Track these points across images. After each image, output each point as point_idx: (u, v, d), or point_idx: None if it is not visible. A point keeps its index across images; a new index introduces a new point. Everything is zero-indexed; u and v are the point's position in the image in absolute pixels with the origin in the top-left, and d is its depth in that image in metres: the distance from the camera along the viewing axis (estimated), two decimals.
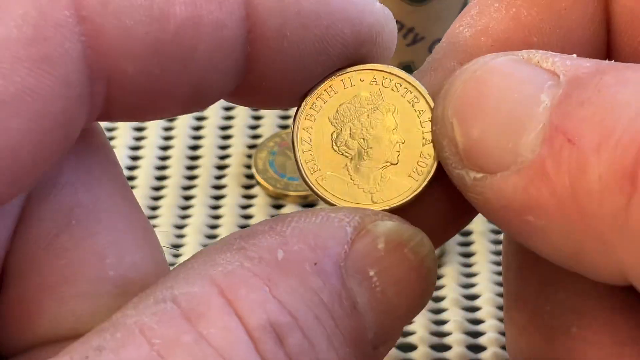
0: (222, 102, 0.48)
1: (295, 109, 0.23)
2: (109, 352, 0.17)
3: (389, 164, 0.23)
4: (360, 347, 0.20)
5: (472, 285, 0.41)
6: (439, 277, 0.42)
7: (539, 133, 0.19)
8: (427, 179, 0.22)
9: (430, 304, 0.40)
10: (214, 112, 0.51)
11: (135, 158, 0.49)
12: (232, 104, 0.45)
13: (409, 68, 0.46)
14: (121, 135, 0.50)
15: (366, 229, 0.20)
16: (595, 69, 0.20)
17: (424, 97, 0.23)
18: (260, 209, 0.45)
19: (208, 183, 0.47)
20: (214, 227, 0.45)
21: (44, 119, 0.19)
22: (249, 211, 0.46)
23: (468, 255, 0.43)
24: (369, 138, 0.23)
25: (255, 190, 0.47)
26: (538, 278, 0.24)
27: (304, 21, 0.21)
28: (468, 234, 0.44)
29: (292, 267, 0.19)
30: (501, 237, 0.39)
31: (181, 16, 0.20)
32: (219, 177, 0.47)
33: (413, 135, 0.23)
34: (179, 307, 0.18)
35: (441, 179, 0.22)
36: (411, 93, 0.23)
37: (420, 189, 0.22)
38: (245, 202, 0.46)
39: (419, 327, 0.39)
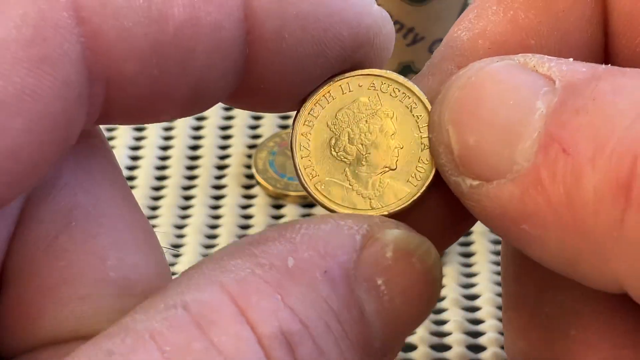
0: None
1: (294, 112, 0.23)
2: (118, 356, 0.17)
3: (387, 169, 0.23)
4: (368, 355, 0.20)
5: (472, 285, 0.41)
6: None
7: (535, 141, 0.19)
8: (426, 185, 0.22)
9: None
10: (214, 112, 0.51)
11: (135, 158, 0.49)
12: None
13: (409, 68, 0.46)
14: (121, 135, 0.50)
15: (375, 237, 0.20)
16: (591, 74, 0.20)
17: (422, 102, 0.23)
18: (260, 209, 0.45)
19: (208, 183, 0.47)
20: (214, 227, 0.45)
21: (44, 120, 0.19)
22: (249, 211, 0.46)
23: (468, 255, 0.43)
24: (368, 143, 0.23)
25: (255, 190, 0.47)
26: (536, 280, 0.24)
27: (302, 23, 0.21)
28: (468, 234, 0.44)
29: (303, 275, 0.19)
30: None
31: (180, 18, 0.20)
32: (219, 177, 0.47)
33: (411, 141, 0.23)
34: (190, 314, 0.18)
35: (440, 185, 0.22)
36: (409, 98, 0.23)
37: (419, 194, 0.22)
38: (245, 202, 0.46)
39: (419, 327, 0.39)
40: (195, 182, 0.47)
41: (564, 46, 0.23)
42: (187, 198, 0.46)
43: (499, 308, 0.40)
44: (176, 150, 0.49)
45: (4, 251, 0.22)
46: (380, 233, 0.20)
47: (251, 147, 0.49)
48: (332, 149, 0.23)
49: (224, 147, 0.49)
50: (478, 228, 0.43)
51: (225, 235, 0.44)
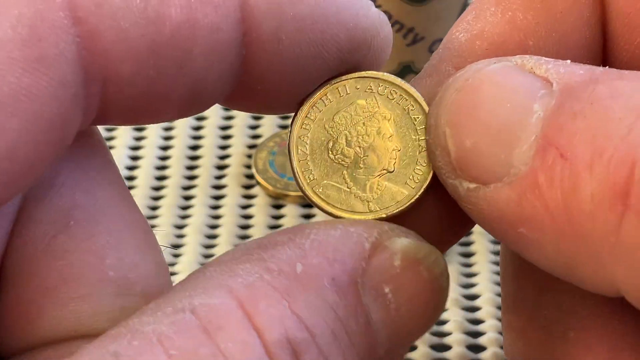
0: None
1: (292, 114, 0.23)
2: (125, 358, 0.17)
3: (385, 171, 0.23)
4: None
5: (472, 285, 0.41)
6: None
7: (532, 145, 0.19)
8: (424, 187, 0.22)
9: None
10: (214, 112, 0.51)
11: (135, 158, 0.49)
12: None
13: (409, 68, 0.46)
14: (121, 135, 0.50)
15: (383, 245, 0.20)
16: (589, 77, 0.19)
17: (419, 104, 0.23)
18: (260, 209, 0.45)
19: (208, 183, 0.47)
20: (214, 227, 0.45)
21: (40, 120, 0.19)
22: (249, 211, 0.46)
23: (468, 255, 0.43)
24: (365, 146, 0.23)
25: (255, 190, 0.47)
26: (535, 282, 0.24)
27: (299, 24, 0.21)
28: (468, 234, 0.44)
29: (311, 282, 0.19)
30: None
31: (177, 19, 0.20)
32: (219, 177, 0.47)
33: (409, 143, 0.22)
34: (198, 318, 0.18)
35: (438, 187, 0.22)
36: (407, 100, 0.23)
37: (416, 197, 0.22)
38: (245, 202, 0.46)
39: None
40: (195, 182, 0.47)
41: (563, 47, 0.23)
42: (187, 198, 0.46)
43: (499, 308, 0.40)
44: (176, 150, 0.49)
45: (2, 251, 0.22)
46: (389, 241, 0.20)
47: (251, 147, 0.49)
48: (330, 152, 0.23)
49: (224, 147, 0.49)
50: (478, 228, 0.43)
51: (225, 235, 0.44)
